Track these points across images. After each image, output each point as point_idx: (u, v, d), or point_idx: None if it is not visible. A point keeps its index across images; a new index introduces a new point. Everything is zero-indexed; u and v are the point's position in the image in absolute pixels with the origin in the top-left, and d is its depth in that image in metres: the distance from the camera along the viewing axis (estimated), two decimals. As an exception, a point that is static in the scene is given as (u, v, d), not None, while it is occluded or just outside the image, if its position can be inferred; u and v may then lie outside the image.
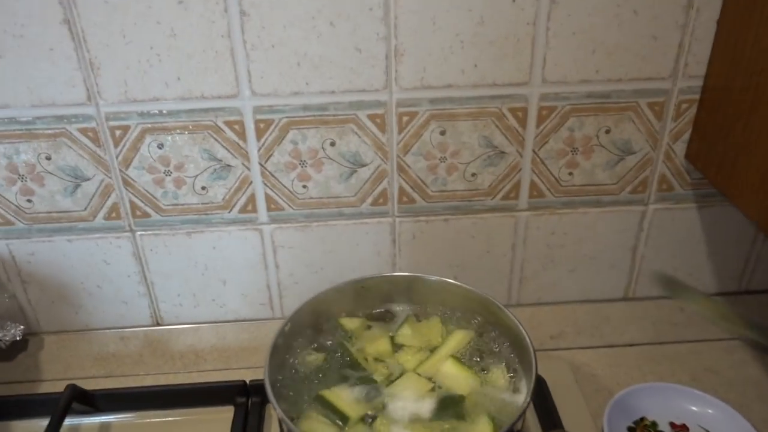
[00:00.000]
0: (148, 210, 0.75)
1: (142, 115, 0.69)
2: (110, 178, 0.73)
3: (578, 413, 0.75)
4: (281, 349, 0.63)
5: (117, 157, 0.72)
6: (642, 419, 0.73)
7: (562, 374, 0.81)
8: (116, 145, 0.71)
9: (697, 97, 0.72)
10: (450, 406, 0.58)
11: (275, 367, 0.60)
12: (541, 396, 0.74)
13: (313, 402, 0.59)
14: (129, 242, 0.77)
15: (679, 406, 0.73)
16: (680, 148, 0.75)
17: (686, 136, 0.74)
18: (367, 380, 0.61)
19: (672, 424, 0.72)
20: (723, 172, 0.68)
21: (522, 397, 0.58)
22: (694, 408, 0.73)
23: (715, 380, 0.79)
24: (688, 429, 0.71)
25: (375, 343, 0.66)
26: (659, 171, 0.76)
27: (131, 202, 0.75)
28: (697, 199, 0.79)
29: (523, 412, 0.52)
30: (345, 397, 0.59)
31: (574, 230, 0.80)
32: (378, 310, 0.71)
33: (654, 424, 0.72)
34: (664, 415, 0.73)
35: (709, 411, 0.72)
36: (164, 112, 0.69)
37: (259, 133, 0.71)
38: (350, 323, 0.69)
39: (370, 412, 0.58)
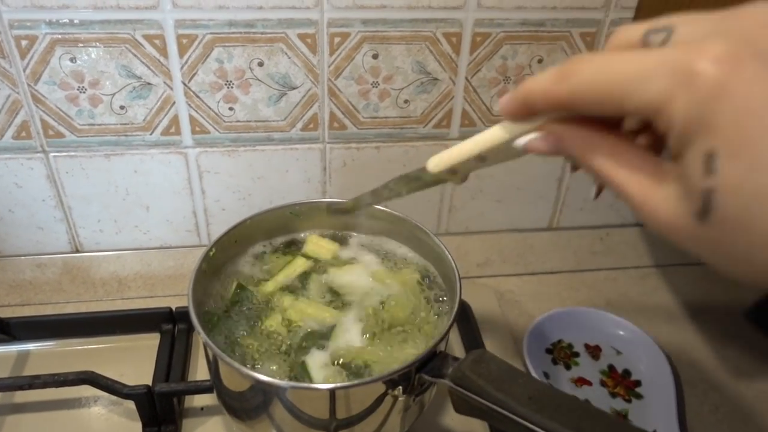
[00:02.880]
0: (62, 129, 0.71)
1: (50, 24, 0.64)
2: (18, 93, 0.67)
3: (501, 336, 0.78)
4: (207, 274, 0.61)
5: (24, 71, 0.66)
6: (559, 341, 0.76)
7: (487, 300, 0.83)
8: (23, 57, 0.65)
9: (627, 29, 0.72)
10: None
11: (200, 292, 0.59)
12: (465, 321, 0.76)
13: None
14: (42, 164, 0.73)
15: (593, 329, 0.78)
16: (609, 80, 0.76)
17: (615, 68, 0.75)
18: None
19: (586, 346, 0.76)
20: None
21: (445, 319, 0.60)
22: (607, 330, 0.77)
23: (628, 305, 0.84)
24: (600, 349, 0.76)
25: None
26: (587, 103, 0.77)
27: (42, 121, 0.70)
28: (622, 132, 0.81)
29: (447, 333, 0.54)
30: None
31: (504, 160, 0.81)
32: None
33: (570, 346, 0.76)
34: (579, 338, 0.77)
35: (620, 333, 0.77)
36: (75, 21, 0.64)
37: (182, 50, 0.67)
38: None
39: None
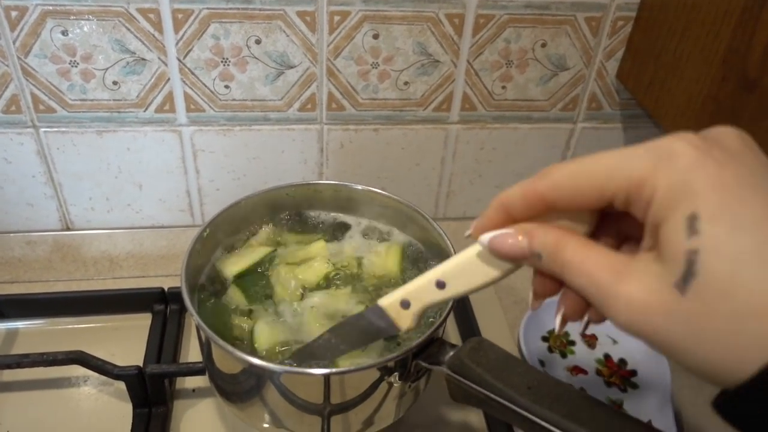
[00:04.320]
0: (53, 104, 0.69)
1: (42, -6, 0.62)
2: (7, 65, 0.66)
3: (497, 324, 0.77)
4: (200, 255, 0.60)
5: (14, 43, 0.64)
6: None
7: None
8: (12, 29, 0.63)
9: (633, 14, 0.71)
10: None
11: (193, 273, 0.58)
12: (462, 307, 0.75)
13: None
14: (32, 139, 0.71)
15: (590, 317, 0.77)
16: (612, 66, 0.75)
17: (619, 54, 0.74)
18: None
19: (582, 335, 0.76)
20: (652, 92, 0.69)
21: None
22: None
23: (624, 294, 0.83)
24: (596, 338, 0.75)
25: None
26: (590, 89, 0.76)
27: (33, 95, 0.68)
28: (624, 119, 0.80)
29: (444, 320, 0.53)
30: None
31: (504, 146, 0.80)
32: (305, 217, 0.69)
33: (566, 334, 0.76)
34: (575, 326, 0.76)
35: (617, 322, 0.76)
36: (68, -7, 0.62)
37: (177, 25, 0.65)
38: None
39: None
